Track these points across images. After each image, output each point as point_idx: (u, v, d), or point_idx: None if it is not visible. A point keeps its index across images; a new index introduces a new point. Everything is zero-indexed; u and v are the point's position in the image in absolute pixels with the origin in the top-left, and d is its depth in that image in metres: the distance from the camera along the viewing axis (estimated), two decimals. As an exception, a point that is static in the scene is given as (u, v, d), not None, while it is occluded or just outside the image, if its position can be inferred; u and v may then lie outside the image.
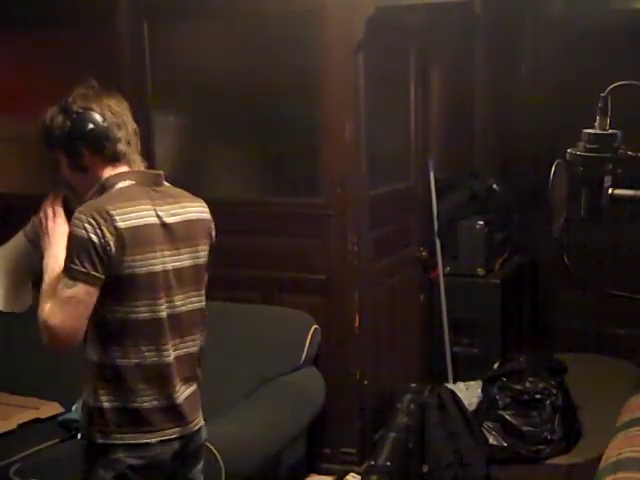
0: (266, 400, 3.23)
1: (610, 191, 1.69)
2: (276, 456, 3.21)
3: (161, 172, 2.24)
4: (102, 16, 3.85)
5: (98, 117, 2.11)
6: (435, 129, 4.46)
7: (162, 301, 2.10)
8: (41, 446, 3.07)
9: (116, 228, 1.99)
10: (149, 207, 2.09)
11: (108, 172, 2.14)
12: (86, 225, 1.98)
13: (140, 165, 2.20)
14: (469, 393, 4.08)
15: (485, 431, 3.81)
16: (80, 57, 3.95)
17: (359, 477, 3.52)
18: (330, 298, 3.66)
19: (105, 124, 2.10)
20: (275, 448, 3.17)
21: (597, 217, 1.71)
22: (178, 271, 2.14)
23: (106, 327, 2.07)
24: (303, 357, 3.49)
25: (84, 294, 1.99)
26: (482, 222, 4.46)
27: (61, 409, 3.34)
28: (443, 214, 4.44)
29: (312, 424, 3.49)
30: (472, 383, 4.20)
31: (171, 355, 2.13)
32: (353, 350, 3.67)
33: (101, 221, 1.99)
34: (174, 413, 2.15)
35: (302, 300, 3.63)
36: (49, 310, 2.00)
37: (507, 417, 3.84)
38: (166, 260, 2.11)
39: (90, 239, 1.97)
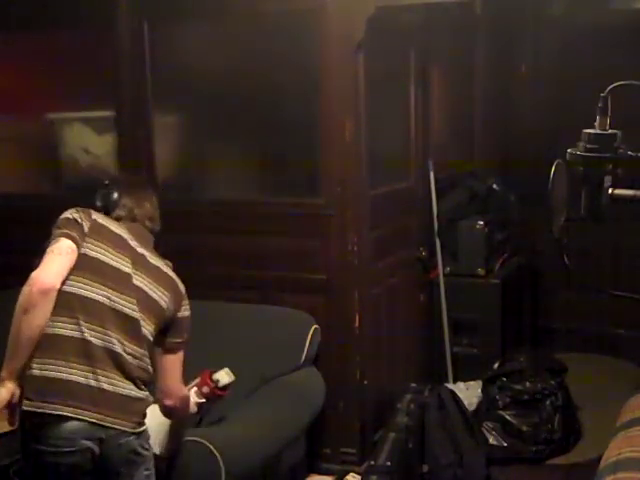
0: (266, 400, 3.23)
1: (610, 191, 1.69)
2: (276, 456, 3.21)
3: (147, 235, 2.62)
4: (102, 16, 3.85)
5: (117, 194, 2.58)
6: (435, 129, 4.45)
7: (101, 289, 2.40)
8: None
9: (90, 218, 2.43)
10: (122, 229, 2.55)
11: None
12: (67, 212, 2.44)
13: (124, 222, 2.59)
14: (469, 393, 4.08)
15: (485, 431, 3.81)
16: (80, 57, 3.95)
17: (359, 477, 3.51)
18: (330, 298, 3.66)
19: (111, 198, 2.58)
20: (275, 448, 3.17)
21: (597, 217, 1.71)
22: (140, 290, 2.49)
23: None
24: (303, 357, 3.49)
25: (63, 246, 2.35)
26: (482, 222, 4.46)
27: (61, 409, 3.33)
28: (443, 214, 4.43)
29: (312, 424, 3.49)
30: (472, 383, 4.20)
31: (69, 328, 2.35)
32: (353, 350, 3.67)
33: (80, 212, 2.44)
34: None
35: (302, 300, 3.63)
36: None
37: (507, 417, 3.84)
38: (111, 257, 2.46)
39: (72, 217, 2.41)
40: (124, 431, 2.28)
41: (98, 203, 2.56)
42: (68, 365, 2.24)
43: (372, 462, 3.31)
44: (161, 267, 2.52)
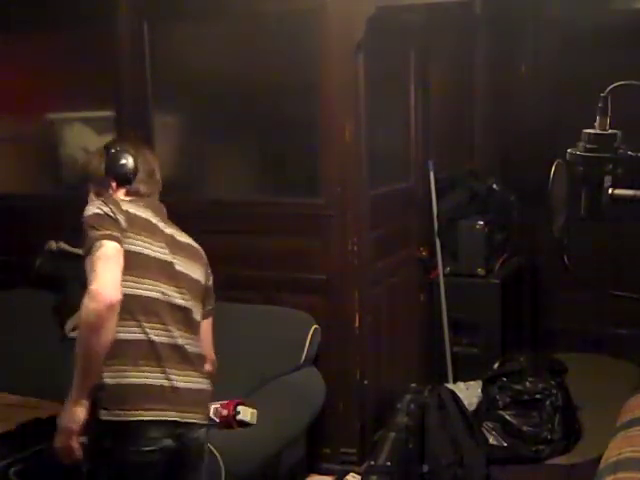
0: (266, 400, 3.23)
1: (610, 191, 1.69)
2: (276, 456, 3.21)
3: (161, 207, 2.51)
4: (102, 16, 3.85)
5: (130, 159, 2.42)
6: (435, 129, 4.45)
7: (165, 286, 2.33)
8: (41, 446, 3.06)
9: (122, 210, 2.27)
10: (150, 212, 2.41)
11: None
12: (94, 207, 2.25)
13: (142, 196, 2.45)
14: (469, 393, 4.08)
15: (485, 431, 3.81)
16: (80, 57, 3.95)
17: (359, 477, 3.51)
18: (330, 298, 3.66)
19: (126, 164, 2.42)
20: (275, 448, 3.17)
21: (597, 217, 1.71)
22: (182, 273, 2.42)
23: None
24: (303, 357, 3.49)
25: (111, 250, 2.19)
26: (482, 222, 4.46)
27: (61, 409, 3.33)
28: (443, 214, 4.43)
29: (312, 424, 3.49)
30: (472, 383, 4.20)
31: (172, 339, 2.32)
32: (353, 350, 3.67)
33: (109, 203, 2.27)
34: None
35: (302, 300, 3.63)
36: (91, 283, 2.16)
37: (507, 417, 3.84)
38: (157, 250, 2.36)
39: (103, 212, 2.23)
40: (198, 424, 2.31)
41: (114, 173, 2.42)
42: (138, 369, 2.20)
43: (372, 462, 3.31)
44: (189, 242, 2.47)
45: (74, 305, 3.69)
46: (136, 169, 2.42)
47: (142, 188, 2.43)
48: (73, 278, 3.78)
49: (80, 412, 2.18)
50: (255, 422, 2.75)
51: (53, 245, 3.92)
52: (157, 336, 2.24)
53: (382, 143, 3.88)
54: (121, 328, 2.18)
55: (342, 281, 3.64)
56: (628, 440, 2.12)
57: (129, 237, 2.24)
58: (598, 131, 1.69)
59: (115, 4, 3.83)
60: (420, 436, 3.48)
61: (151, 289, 2.26)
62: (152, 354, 2.22)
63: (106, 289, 2.11)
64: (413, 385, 3.66)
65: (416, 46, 4.19)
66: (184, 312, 2.34)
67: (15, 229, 4.08)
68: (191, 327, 2.36)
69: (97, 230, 2.19)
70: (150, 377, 2.20)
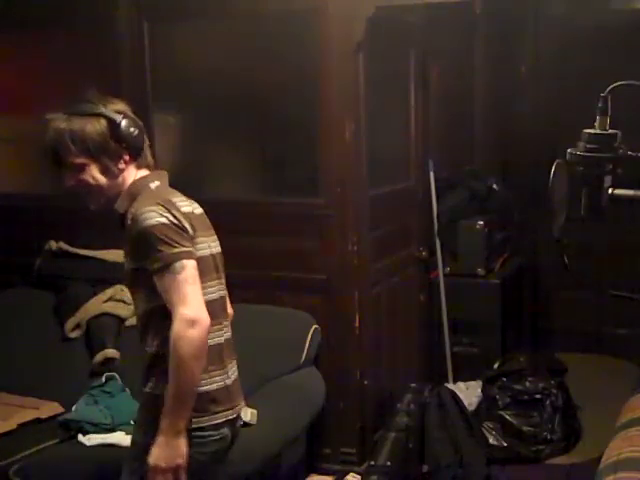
0: (266, 400, 3.23)
1: (610, 191, 1.69)
2: (276, 456, 3.21)
3: (165, 172, 2.32)
4: (102, 16, 3.85)
5: (137, 122, 2.20)
6: (435, 129, 4.45)
7: (215, 282, 2.23)
8: (41, 446, 3.07)
9: (184, 213, 2.11)
10: (185, 199, 2.21)
11: (131, 176, 2.20)
12: (157, 213, 2.05)
13: (152, 165, 2.29)
14: (469, 393, 4.08)
15: (485, 431, 3.81)
16: (80, 57, 3.95)
17: (359, 477, 3.52)
18: (330, 298, 3.66)
19: (135, 131, 2.17)
20: (275, 448, 3.17)
21: (597, 217, 1.71)
22: (216, 256, 2.27)
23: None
24: (303, 357, 3.49)
25: (193, 269, 2.06)
26: (482, 222, 4.46)
27: (61, 409, 3.33)
28: (443, 214, 4.43)
29: (312, 424, 3.49)
30: (472, 383, 4.20)
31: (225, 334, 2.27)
32: (353, 350, 3.67)
33: (169, 206, 2.08)
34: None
35: (302, 300, 3.63)
36: (182, 308, 2.02)
37: (507, 417, 3.84)
38: (211, 245, 2.23)
39: (169, 221, 2.05)
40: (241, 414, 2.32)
41: (130, 144, 2.16)
42: (209, 376, 2.16)
43: (372, 462, 3.31)
44: (203, 212, 2.31)
45: (74, 305, 3.71)
46: (143, 136, 2.21)
47: (150, 159, 2.26)
48: (73, 278, 3.80)
49: (183, 444, 2.06)
50: (255, 422, 2.75)
51: (53, 245, 3.93)
52: (219, 337, 2.20)
53: (382, 143, 3.88)
54: (211, 334, 2.12)
55: (342, 281, 3.64)
56: (628, 440, 2.12)
57: (196, 243, 2.13)
58: (598, 131, 1.69)
59: (115, 4, 3.84)
60: (420, 436, 3.49)
61: (213, 291, 2.20)
62: (217, 357, 2.18)
63: (203, 314, 2.03)
64: (413, 385, 3.67)
65: (416, 46, 4.19)
66: (224, 299, 2.32)
67: (15, 229, 4.08)
68: (227, 309, 2.35)
69: (172, 247, 2.03)
70: (218, 380, 2.18)
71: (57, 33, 4.01)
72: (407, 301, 4.27)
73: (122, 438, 3.00)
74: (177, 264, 2.02)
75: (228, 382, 2.22)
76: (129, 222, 2.10)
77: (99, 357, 3.47)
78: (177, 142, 4.10)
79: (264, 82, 3.70)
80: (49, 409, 3.34)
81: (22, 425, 3.24)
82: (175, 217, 2.07)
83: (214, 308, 2.15)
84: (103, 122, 2.13)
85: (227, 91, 3.82)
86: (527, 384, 3.90)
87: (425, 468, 3.47)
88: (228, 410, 2.21)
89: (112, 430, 3.10)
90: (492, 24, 4.93)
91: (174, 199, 2.13)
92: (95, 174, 2.16)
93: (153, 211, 2.05)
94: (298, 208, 3.70)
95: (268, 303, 3.66)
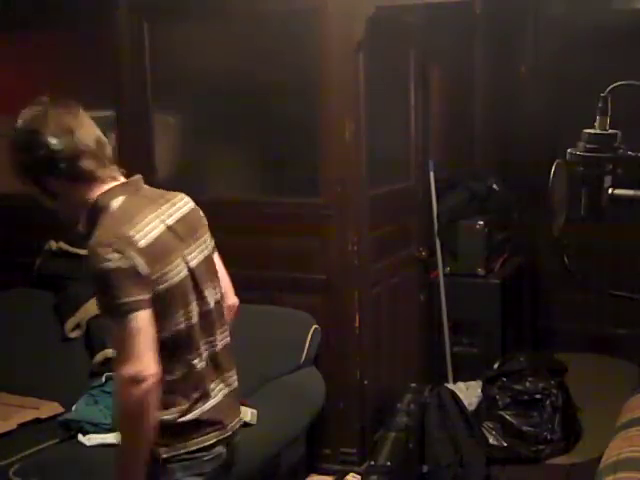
0: (266, 400, 3.23)
1: (610, 191, 1.69)
2: (276, 456, 3.21)
3: (139, 177, 2.10)
4: (102, 16, 3.85)
5: (50, 140, 1.94)
6: (435, 129, 4.45)
7: (193, 305, 2.03)
8: (41, 446, 3.07)
9: (140, 249, 1.89)
10: (152, 217, 1.99)
11: (88, 193, 1.99)
12: (111, 255, 1.86)
13: (116, 175, 2.05)
14: (469, 393, 4.08)
15: (485, 431, 3.81)
16: (80, 57, 3.95)
17: (359, 477, 3.52)
18: (330, 298, 3.66)
19: (58, 147, 1.94)
20: (275, 448, 3.17)
21: (597, 217, 1.71)
22: (198, 267, 2.07)
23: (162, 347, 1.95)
24: (303, 357, 3.49)
25: (142, 324, 1.87)
26: (482, 222, 4.46)
27: (61, 409, 3.34)
28: (443, 214, 4.43)
29: (312, 424, 3.49)
30: (472, 383, 4.20)
31: (202, 356, 2.06)
32: (353, 350, 3.67)
33: (124, 247, 1.87)
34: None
35: (302, 300, 3.63)
36: (124, 366, 1.86)
37: (507, 417, 3.84)
38: (187, 260, 2.03)
39: (120, 268, 1.85)
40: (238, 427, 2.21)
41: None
42: (207, 393, 2.07)
43: (372, 462, 3.31)
44: (184, 206, 2.14)
45: (74, 305, 3.71)
46: (61, 150, 1.95)
47: (85, 166, 1.97)
48: (73, 278, 3.80)
49: None
50: (255, 422, 2.76)
51: (53, 245, 3.93)
52: (200, 361, 2.04)
53: (382, 143, 3.88)
54: (169, 371, 1.97)
55: (342, 281, 3.64)
56: (628, 440, 2.12)
57: (160, 276, 1.93)
58: (598, 131, 1.69)
59: (115, 4, 3.84)
60: (420, 436, 3.49)
61: (181, 320, 2.00)
62: (201, 382, 2.05)
63: (147, 370, 1.85)
64: (413, 385, 3.67)
65: (416, 46, 4.19)
66: (211, 311, 2.11)
67: (15, 229, 4.08)
68: (219, 315, 2.15)
69: (121, 297, 1.85)
70: (196, 408, 2.04)
71: (57, 33, 4.01)
72: (407, 301, 4.27)
73: (122, 438, 2.99)
74: (124, 316, 1.85)
75: (213, 402, 2.07)
76: (88, 252, 1.94)
77: (99, 357, 3.46)
78: (177, 142, 4.10)
79: (264, 82, 3.70)
80: (49, 409, 3.34)
81: (22, 425, 3.24)
82: (129, 260, 1.86)
83: (188, 335, 2.00)
84: (14, 146, 2.07)
85: (227, 91, 3.82)
86: (527, 384, 3.90)
87: (425, 468, 3.47)
88: (217, 431, 2.07)
89: (112, 430, 3.09)
90: (492, 24, 4.93)
91: (130, 232, 1.90)
92: (41, 198, 2.08)
93: (106, 254, 1.86)
94: (298, 208, 3.70)
95: (268, 303, 3.66)
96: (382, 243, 3.90)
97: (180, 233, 2.05)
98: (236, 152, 3.96)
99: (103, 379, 3.32)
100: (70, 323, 3.66)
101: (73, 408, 3.24)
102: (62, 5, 3.91)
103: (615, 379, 4.42)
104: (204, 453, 2.05)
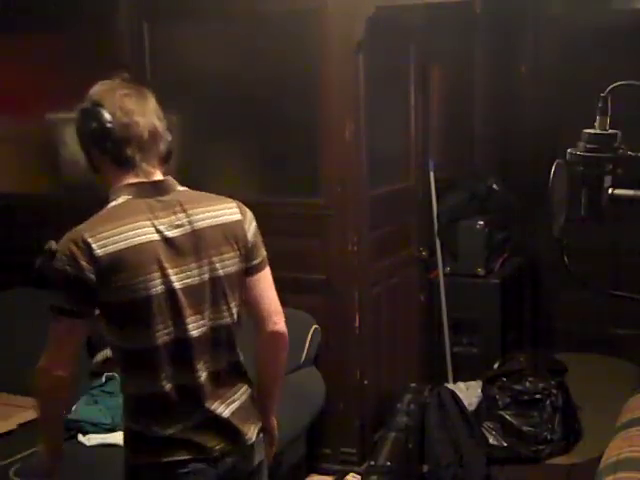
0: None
1: (610, 191, 1.69)
2: (276, 456, 3.21)
3: (166, 179, 2.03)
4: (102, 16, 3.86)
5: (106, 115, 1.92)
6: (435, 129, 4.46)
7: (159, 327, 1.89)
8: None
9: (93, 257, 1.82)
10: (145, 224, 1.88)
11: (117, 181, 1.96)
12: (63, 257, 1.86)
13: (153, 173, 1.99)
14: (469, 393, 4.08)
15: (485, 431, 3.81)
16: (80, 57, 3.95)
17: (359, 477, 3.52)
18: (330, 298, 3.66)
19: (110, 124, 1.92)
20: (275, 448, 3.16)
21: (597, 217, 1.71)
22: (190, 289, 1.92)
23: (117, 356, 1.98)
24: (303, 357, 3.49)
25: (63, 328, 1.88)
26: (482, 222, 4.47)
27: (61, 409, 3.33)
28: (443, 214, 4.44)
29: (312, 424, 3.49)
30: (472, 383, 4.20)
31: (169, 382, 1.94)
32: (353, 350, 3.67)
33: (77, 252, 1.83)
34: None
35: (302, 300, 3.63)
36: (41, 357, 1.93)
37: (507, 417, 3.84)
38: (171, 279, 1.89)
39: (65, 272, 1.84)
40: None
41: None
42: (177, 420, 2.01)
43: (372, 462, 3.31)
44: (200, 225, 1.98)
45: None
46: (111, 130, 1.93)
47: (127, 152, 1.94)
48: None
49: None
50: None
51: (53, 245, 3.92)
52: (166, 385, 1.94)
53: (382, 143, 3.88)
54: (133, 384, 1.97)
55: (342, 281, 3.64)
56: (628, 440, 2.12)
57: (109, 289, 1.85)
58: (598, 131, 1.68)
59: (115, 4, 3.84)
60: (420, 436, 3.49)
61: (144, 340, 1.91)
62: (160, 406, 1.97)
63: (51, 369, 1.91)
64: (413, 385, 3.67)
65: (416, 46, 4.19)
66: (188, 339, 1.95)
67: (15, 229, 4.08)
68: (211, 343, 1.99)
69: (55, 297, 1.87)
70: (169, 429, 1.97)
71: (57, 33, 4.01)
72: (407, 301, 4.27)
73: (122, 438, 2.99)
74: (52, 315, 1.88)
75: (180, 426, 1.93)
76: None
77: (99, 357, 3.46)
78: (177, 142, 4.09)
79: (264, 82, 3.70)
80: (49, 409, 3.34)
81: (22, 425, 3.24)
82: (77, 266, 1.83)
83: (150, 356, 1.90)
84: (77, 113, 2.01)
85: (227, 91, 3.82)
86: (527, 384, 3.90)
87: (425, 468, 3.47)
88: (192, 451, 1.94)
89: (112, 430, 3.10)
90: (492, 24, 4.93)
91: (98, 236, 1.84)
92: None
93: (59, 252, 1.88)
94: (298, 208, 3.70)
95: (268, 303, 3.66)
96: (382, 243, 3.90)
97: (180, 247, 1.92)
98: (236, 152, 3.96)
99: (103, 379, 3.33)
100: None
101: (73, 408, 3.24)
102: (62, 5, 3.91)
103: (615, 379, 4.43)
104: (180, 467, 1.95)
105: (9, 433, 3.19)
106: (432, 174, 4.36)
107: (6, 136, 4.28)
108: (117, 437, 3.04)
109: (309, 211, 3.68)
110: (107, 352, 3.43)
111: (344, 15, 3.47)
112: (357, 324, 3.65)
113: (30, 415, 3.27)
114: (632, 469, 1.92)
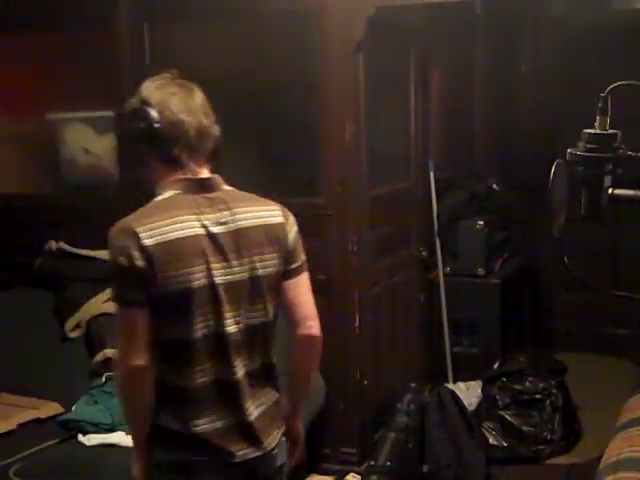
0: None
1: (610, 191, 1.69)
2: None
3: (213, 177, 2.05)
4: (102, 16, 3.86)
5: (153, 114, 1.95)
6: (435, 129, 4.45)
7: (198, 320, 1.91)
8: (41, 446, 3.07)
9: (143, 247, 1.85)
10: (191, 218, 1.92)
11: (165, 177, 1.99)
12: (114, 249, 1.88)
13: (199, 171, 2.01)
14: (469, 393, 4.08)
15: (485, 431, 3.81)
16: (80, 58, 3.95)
17: (359, 477, 3.52)
18: (330, 298, 3.65)
19: (157, 124, 1.94)
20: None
21: (597, 217, 1.71)
22: (230, 285, 1.95)
23: (157, 348, 1.94)
24: (303, 357, 3.48)
25: (128, 318, 1.89)
26: (482, 222, 4.47)
27: (61, 409, 3.33)
28: (443, 214, 4.44)
29: (312, 424, 3.49)
30: (472, 383, 4.20)
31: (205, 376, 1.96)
32: (353, 350, 3.67)
33: (128, 242, 1.85)
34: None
35: (302, 300, 3.62)
36: (116, 350, 1.98)
37: (507, 417, 3.84)
38: (213, 274, 1.92)
39: (119, 262, 1.86)
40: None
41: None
42: (203, 416, 2.03)
43: (372, 462, 3.32)
44: (244, 224, 2.02)
45: (74, 305, 3.71)
46: (158, 129, 1.96)
47: (174, 152, 1.98)
48: (73, 278, 3.80)
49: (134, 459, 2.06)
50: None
51: (53, 245, 3.92)
52: (200, 378, 1.97)
53: (382, 143, 3.88)
54: (168, 378, 1.98)
55: (342, 281, 3.64)
56: (628, 440, 2.12)
57: (157, 279, 1.87)
58: (598, 131, 1.68)
59: (115, 4, 3.84)
60: (420, 436, 3.49)
61: (184, 331, 1.93)
62: (199, 401, 1.99)
63: (126, 361, 1.90)
64: (413, 385, 3.67)
65: (416, 46, 4.19)
66: (226, 335, 1.97)
67: (15, 229, 4.08)
68: (247, 341, 2.02)
69: (116, 290, 1.91)
70: (197, 427, 2.00)
71: (57, 33, 4.01)
72: (407, 301, 4.27)
73: (122, 438, 3.00)
74: (117, 307, 1.92)
75: (209, 427, 1.95)
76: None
77: (99, 357, 3.46)
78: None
79: (264, 82, 3.69)
80: (49, 409, 3.34)
81: (22, 425, 3.24)
82: (128, 256, 1.85)
83: (187, 348, 1.92)
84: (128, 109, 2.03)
85: (227, 91, 3.81)
86: (527, 384, 3.91)
87: (425, 468, 3.47)
88: (215, 452, 1.97)
89: (112, 430, 3.10)
90: (492, 24, 4.93)
91: (145, 226, 1.87)
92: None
93: (111, 244, 1.90)
94: (298, 208, 3.68)
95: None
96: (382, 243, 3.90)
97: (223, 244, 1.95)
98: (236, 152, 3.95)
99: (103, 379, 3.32)
100: (70, 323, 3.66)
101: (73, 408, 3.24)
102: (62, 5, 3.91)
103: (615, 379, 4.43)
104: (199, 468, 1.97)
105: (9, 433, 3.19)
106: (432, 174, 4.36)
107: (6, 136, 4.28)
108: (117, 437, 3.04)
109: (309, 211, 3.67)
110: (107, 352, 3.43)
111: (344, 15, 3.47)
112: (357, 324, 3.65)
113: (30, 415, 3.28)
114: (632, 469, 1.92)
